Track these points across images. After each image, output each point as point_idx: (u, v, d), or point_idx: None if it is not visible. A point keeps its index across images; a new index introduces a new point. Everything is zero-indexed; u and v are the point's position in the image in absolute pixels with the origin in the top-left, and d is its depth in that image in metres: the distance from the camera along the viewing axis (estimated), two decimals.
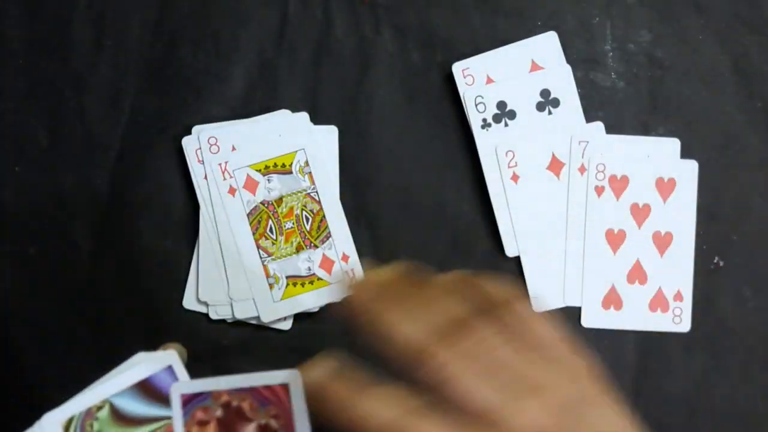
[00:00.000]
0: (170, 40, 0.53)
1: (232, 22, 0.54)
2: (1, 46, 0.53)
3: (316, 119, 0.53)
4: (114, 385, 0.38)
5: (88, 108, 0.53)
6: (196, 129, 0.52)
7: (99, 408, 0.37)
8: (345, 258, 0.51)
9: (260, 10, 0.54)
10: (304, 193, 0.52)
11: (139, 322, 0.52)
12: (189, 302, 0.51)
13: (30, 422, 0.51)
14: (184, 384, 0.36)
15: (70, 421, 0.37)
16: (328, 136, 0.52)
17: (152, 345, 0.51)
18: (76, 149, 0.53)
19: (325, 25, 0.54)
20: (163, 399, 0.38)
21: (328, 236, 0.52)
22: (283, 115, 0.52)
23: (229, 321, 0.51)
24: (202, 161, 0.51)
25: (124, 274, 0.52)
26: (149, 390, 0.38)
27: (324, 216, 0.52)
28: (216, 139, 0.51)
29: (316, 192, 0.52)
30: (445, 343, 0.28)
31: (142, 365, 0.38)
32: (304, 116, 0.52)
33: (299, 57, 0.53)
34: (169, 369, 0.39)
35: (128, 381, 0.38)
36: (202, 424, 0.36)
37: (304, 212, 0.52)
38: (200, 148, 0.51)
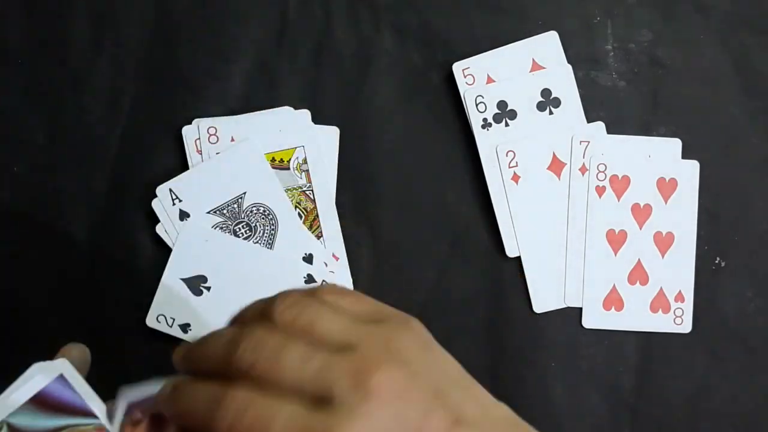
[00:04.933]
0: (169, 39, 0.53)
1: (232, 21, 0.54)
2: None
3: (316, 119, 0.52)
4: (7, 406, 0.37)
5: (87, 108, 0.53)
6: (196, 120, 0.52)
7: None
8: (335, 258, 0.51)
9: (260, 9, 0.54)
10: (300, 190, 0.52)
11: (138, 321, 0.51)
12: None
13: None
14: (132, 393, 0.36)
15: None
16: (329, 136, 0.52)
17: (151, 344, 0.51)
18: (75, 149, 0.53)
19: (325, 25, 0.54)
20: (59, 408, 0.38)
21: (320, 235, 0.52)
22: (284, 111, 0.52)
23: None
24: (201, 152, 0.51)
25: (123, 274, 0.52)
26: (44, 402, 0.38)
27: (317, 215, 0.51)
28: (216, 129, 0.51)
29: (312, 190, 0.52)
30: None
31: (33, 379, 0.38)
32: (305, 114, 0.52)
33: (299, 57, 0.53)
34: (61, 378, 0.38)
35: (21, 398, 0.38)
36: (136, 423, 0.36)
37: (297, 209, 0.52)
38: (199, 138, 0.51)
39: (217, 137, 0.51)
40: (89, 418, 0.38)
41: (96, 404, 0.38)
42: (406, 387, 0.27)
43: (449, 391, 0.28)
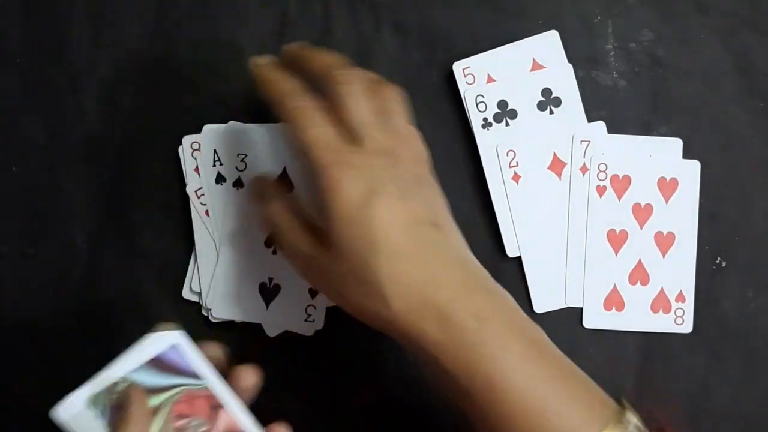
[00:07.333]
0: (169, 39, 0.53)
1: (232, 21, 0.54)
2: None
3: None
4: (128, 363, 0.42)
5: (87, 107, 0.53)
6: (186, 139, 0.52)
7: (118, 384, 0.42)
8: None
9: (260, 9, 0.54)
10: None
11: (137, 322, 0.51)
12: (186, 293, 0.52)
13: (28, 424, 0.51)
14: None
15: (95, 398, 0.41)
16: None
17: None
18: (75, 149, 0.53)
19: (325, 25, 0.54)
20: (174, 371, 0.43)
21: None
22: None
23: (237, 321, 0.51)
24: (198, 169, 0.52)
25: (122, 275, 0.52)
26: (160, 365, 0.43)
27: None
28: (199, 144, 0.52)
29: None
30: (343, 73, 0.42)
31: (151, 346, 0.43)
32: None
33: None
34: (176, 347, 0.43)
35: (141, 359, 0.42)
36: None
37: None
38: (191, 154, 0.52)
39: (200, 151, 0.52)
40: (199, 382, 0.43)
41: (205, 369, 0.43)
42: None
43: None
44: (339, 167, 0.39)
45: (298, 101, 0.41)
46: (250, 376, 0.43)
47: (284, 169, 0.51)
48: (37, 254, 0.52)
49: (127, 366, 0.42)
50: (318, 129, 0.40)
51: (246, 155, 0.51)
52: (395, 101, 0.43)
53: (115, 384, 0.42)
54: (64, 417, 0.40)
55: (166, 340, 0.43)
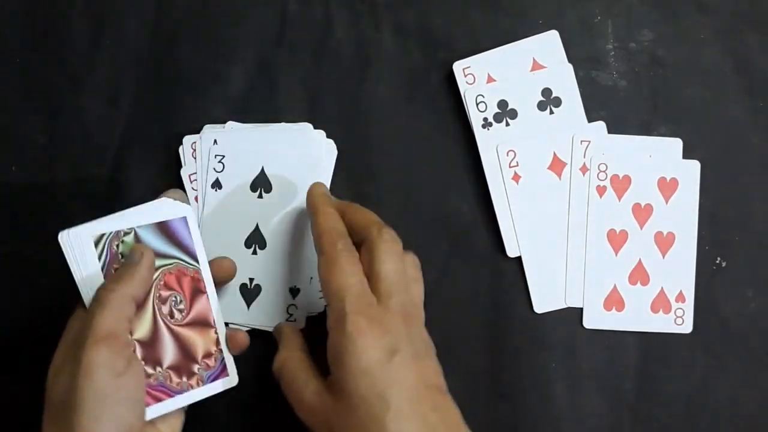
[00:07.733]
0: (169, 39, 0.53)
1: (232, 21, 0.54)
2: None
3: (315, 119, 0.52)
4: (140, 217, 0.44)
5: (86, 107, 0.53)
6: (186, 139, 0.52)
7: (126, 233, 0.44)
8: None
9: (260, 9, 0.54)
10: None
11: None
12: None
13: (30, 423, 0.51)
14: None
15: (101, 237, 0.43)
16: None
17: None
18: (74, 149, 0.53)
19: (325, 25, 0.54)
20: (175, 242, 0.45)
21: None
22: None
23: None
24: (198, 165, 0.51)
25: None
26: (166, 231, 0.45)
27: None
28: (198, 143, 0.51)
29: None
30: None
31: (163, 209, 0.45)
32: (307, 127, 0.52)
33: (299, 57, 0.53)
34: (184, 219, 0.45)
35: (151, 218, 0.44)
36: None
37: None
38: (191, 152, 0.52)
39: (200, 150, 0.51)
40: (194, 261, 0.46)
41: (202, 253, 0.47)
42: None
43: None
44: (368, 319, 0.41)
45: (344, 244, 0.43)
46: (230, 267, 0.48)
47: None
48: (34, 254, 0.52)
49: (137, 220, 0.44)
50: (355, 278, 0.42)
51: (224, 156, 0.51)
52: (416, 268, 0.45)
53: (124, 233, 0.43)
54: (66, 243, 0.42)
55: (179, 209, 0.45)
